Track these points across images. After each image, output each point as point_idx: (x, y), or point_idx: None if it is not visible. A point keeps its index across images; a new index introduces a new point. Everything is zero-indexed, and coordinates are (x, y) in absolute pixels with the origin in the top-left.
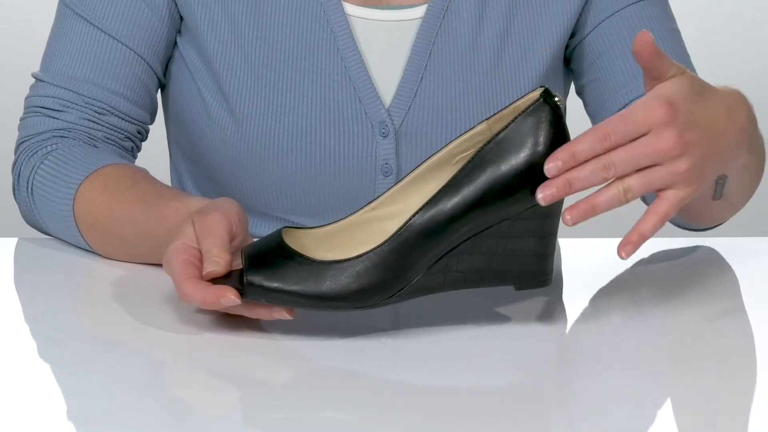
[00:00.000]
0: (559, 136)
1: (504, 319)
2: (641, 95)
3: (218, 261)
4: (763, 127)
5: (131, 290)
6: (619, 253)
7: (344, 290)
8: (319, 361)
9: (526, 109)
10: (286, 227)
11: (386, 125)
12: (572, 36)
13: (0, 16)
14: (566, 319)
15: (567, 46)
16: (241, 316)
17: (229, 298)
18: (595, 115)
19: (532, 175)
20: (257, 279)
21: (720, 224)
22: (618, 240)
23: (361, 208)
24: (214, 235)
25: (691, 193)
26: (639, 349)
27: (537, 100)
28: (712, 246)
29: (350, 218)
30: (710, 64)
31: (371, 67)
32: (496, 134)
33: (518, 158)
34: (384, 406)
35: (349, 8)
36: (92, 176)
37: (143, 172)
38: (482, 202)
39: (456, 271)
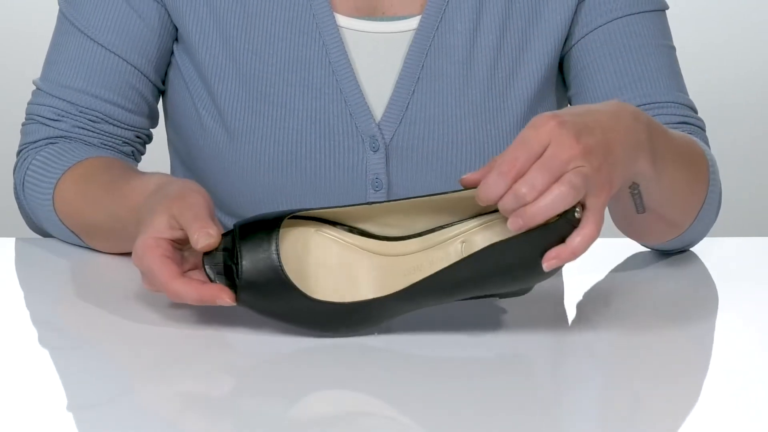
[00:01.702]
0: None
1: (501, 319)
2: None
3: (211, 234)
4: (764, 129)
5: (127, 287)
6: (543, 265)
7: (337, 327)
8: (313, 359)
9: (547, 224)
10: (287, 218)
11: (377, 140)
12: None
13: (0, 16)
14: (565, 319)
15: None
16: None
17: (224, 300)
18: None
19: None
20: (251, 302)
21: (689, 245)
22: (617, 240)
23: (360, 204)
24: (194, 213)
25: (605, 198)
26: (638, 349)
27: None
28: (711, 247)
29: (347, 209)
30: (708, 66)
31: (363, 80)
32: (516, 237)
33: (527, 272)
34: (379, 403)
35: (342, 20)
36: (72, 168)
37: (122, 161)
38: (484, 285)
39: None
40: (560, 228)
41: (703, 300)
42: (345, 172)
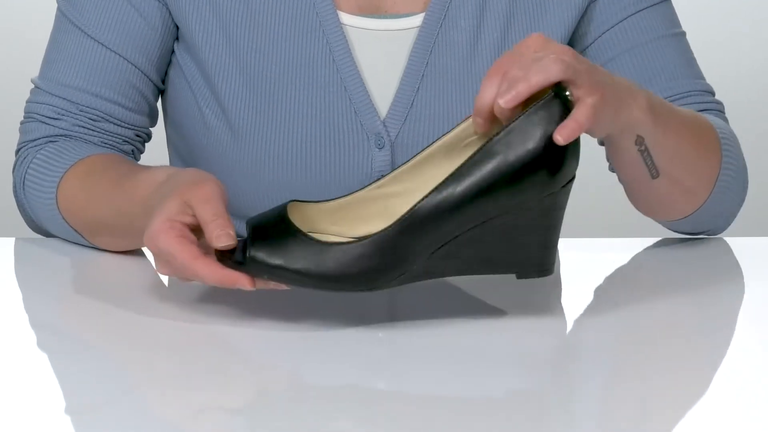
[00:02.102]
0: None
1: (502, 318)
2: None
3: (232, 235)
4: (764, 128)
5: (128, 287)
6: (555, 137)
7: (347, 271)
8: (314, 356)
9: (538, 101)
10: (292, 201)
11: (382, 137)
12: (574, 46)
13: (0, 16)
14: (565, 318)
15: None
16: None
17: (243, 284)
18: None
19: (540, 165)
20: (260, 255)
21: (714, 228)
22: (617, 240)
23: (368, 185)
24: (211, 205)
25: (598, 100)
26: (639, 348)
27: (548, 93)
28: (712, 244)
29: (356, 194)
30: (709, 63)
31: (367, 77)
32: (506, 125)
33: (527, 149)
34: (380, 403)
35: (345, 18)
36: (75, 165)
37: (126, 158)
38: (489, 190)
39: (458, 258)
40: (555, 108)
41: (703, 300)
42: (350, 169)
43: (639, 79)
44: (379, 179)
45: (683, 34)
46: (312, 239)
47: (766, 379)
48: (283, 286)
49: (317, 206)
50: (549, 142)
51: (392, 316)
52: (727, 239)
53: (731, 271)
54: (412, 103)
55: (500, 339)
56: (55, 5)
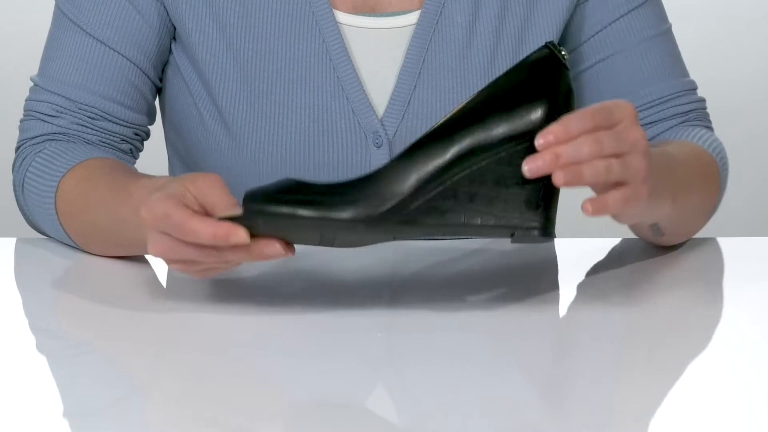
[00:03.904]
0: (561, 83)
1: (500, 318)
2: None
3: (244, 236)
4: (764, 129)
5: (126, 289)
6: (585, 207)
7: (347, 206)
8: (314, 358)
9: (531, 55)
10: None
11: (380, 135)
12: (564, 44)
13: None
14: (564, 319)
15: None
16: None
17: (239, 235)
18: None
19: (533, 93)
20: (256, 201)
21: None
22: (617, 240)
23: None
24: (220, 190)
25: (640, 201)
26: (638, 348)
27: (542, 48)
28: (711, 245)
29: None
30: (708, 64)
31: (364, 76)
32: (500, 75)
33: (520, 78)
34: (379, 404)
35: (341, 16)
36: (74, 168)
37: (125, 164)
38: (480, 115)
39: (455, 202)
40: (548, 62)
41: (703, 300)
42: (348, 168)
43: (629, 85)
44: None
45: (670, 28)
46: (308, 185)
47: (767, 379)
48: (281, 251)
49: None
50: (542, 73)
51: (391, 315)
52: (727, 239)
53: (730, 271)
54: (409, 101)
55: (496, 339)
56: (53, 4)
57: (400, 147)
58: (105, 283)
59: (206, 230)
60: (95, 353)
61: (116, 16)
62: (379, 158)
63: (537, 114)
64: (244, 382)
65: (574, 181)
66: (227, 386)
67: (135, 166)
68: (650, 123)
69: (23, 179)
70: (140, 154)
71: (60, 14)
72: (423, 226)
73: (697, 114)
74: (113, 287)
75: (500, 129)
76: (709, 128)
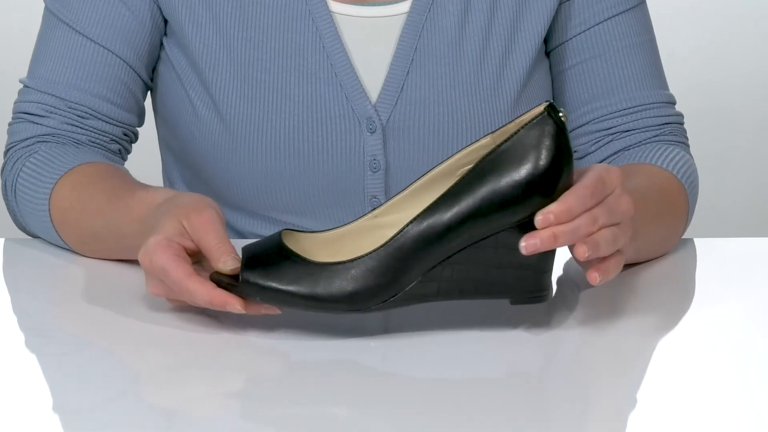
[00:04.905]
0: (561, 150)
1: (496, 323)
2: (597, 118)
3: (237, 259)
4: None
5: (116, 288)
6: (593, 278)
7: (339, 292)
8: (307, 363)
9: (530, 122)
10: (286, 230)
11: (373, 121)
12: (549, 39)
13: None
14: (560, 324)
15: (546, 44)
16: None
17: (234, 306)
18: None
19: (532, 188)
20: (253, 276)
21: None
22: None
23: (363, 216)
24: (214, 230)
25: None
26: (635, 352)
27: (541, 113)
28: (711, 245)
29: (352, 225)
30: (708, 64)
31: (357, 63)
32: (499, 145)
33: (519, 171)
34: (374, 409)
35: (334, 5)
36: (67, 174)
37: (119, 170)
38: (480, 212)
39: (451, 280)
40: (549, 127)
41: (703, 301)
42: (343, 154)
43: (607, 87)
44: (374, 209)
45: (653, 38)
46: (305, 260)
47: (767, 379)
48: (275, 310)
49: (312, 236)
50: (542, 164)
51: (386, 322)
52: (727, 239)
53: (731, 271)
54: (402, 87)
55: (492, 344)
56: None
57: (393, 133)
58: (94, 283)
59: (203, 296)
60: (85, 352)
61: (106, 13)
62: (372, 144)
63: (537, 205)
64: (234, 381)
65: (593, 255)
66: (216, 386)
67: (129, 169)
68: (624, 132)
69: (15, 183)
70: (134, 157)
71: (49, 15)
72: (420, 301)
73: (672, 128)
74: (103, 286)
75: (497, 224)
76: (684, 144)
